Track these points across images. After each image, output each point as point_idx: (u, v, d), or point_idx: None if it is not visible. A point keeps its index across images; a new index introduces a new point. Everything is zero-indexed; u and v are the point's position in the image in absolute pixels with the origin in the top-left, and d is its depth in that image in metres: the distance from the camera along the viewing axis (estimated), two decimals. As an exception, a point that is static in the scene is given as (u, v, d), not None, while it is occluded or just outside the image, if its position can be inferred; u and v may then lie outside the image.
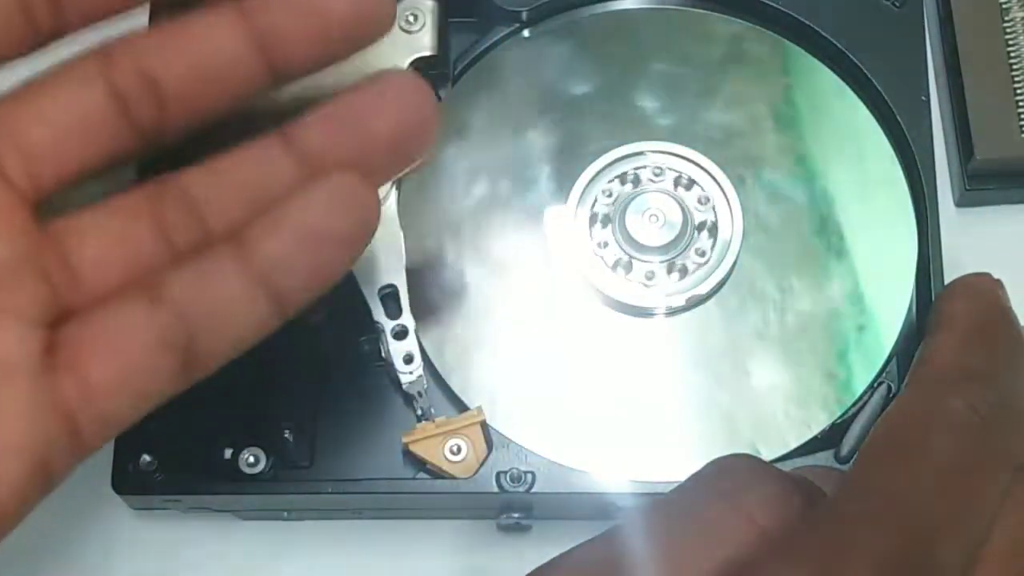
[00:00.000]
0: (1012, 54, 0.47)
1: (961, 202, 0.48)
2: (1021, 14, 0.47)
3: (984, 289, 0.35)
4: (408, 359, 0.42)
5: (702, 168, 0.44)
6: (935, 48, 0.49)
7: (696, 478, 0.30)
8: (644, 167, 0.45)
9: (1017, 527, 0.30)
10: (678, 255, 0.44)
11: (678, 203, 0.44)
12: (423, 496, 0.42)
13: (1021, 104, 0.46)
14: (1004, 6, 0.47)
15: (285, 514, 0.45)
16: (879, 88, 0.45)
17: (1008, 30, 0.47)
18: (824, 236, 0.44)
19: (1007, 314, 0.34)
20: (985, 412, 0.31)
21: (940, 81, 0.49)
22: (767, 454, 0.41)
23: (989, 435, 0.30)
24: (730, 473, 0.30)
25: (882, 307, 0.43)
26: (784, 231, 0.44)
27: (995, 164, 0.47)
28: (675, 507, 0.30)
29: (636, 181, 0.44)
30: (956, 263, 0.43)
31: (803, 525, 0.29)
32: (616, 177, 0.45)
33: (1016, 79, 0.46)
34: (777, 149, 0.45)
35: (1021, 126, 0.46)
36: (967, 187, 0.47)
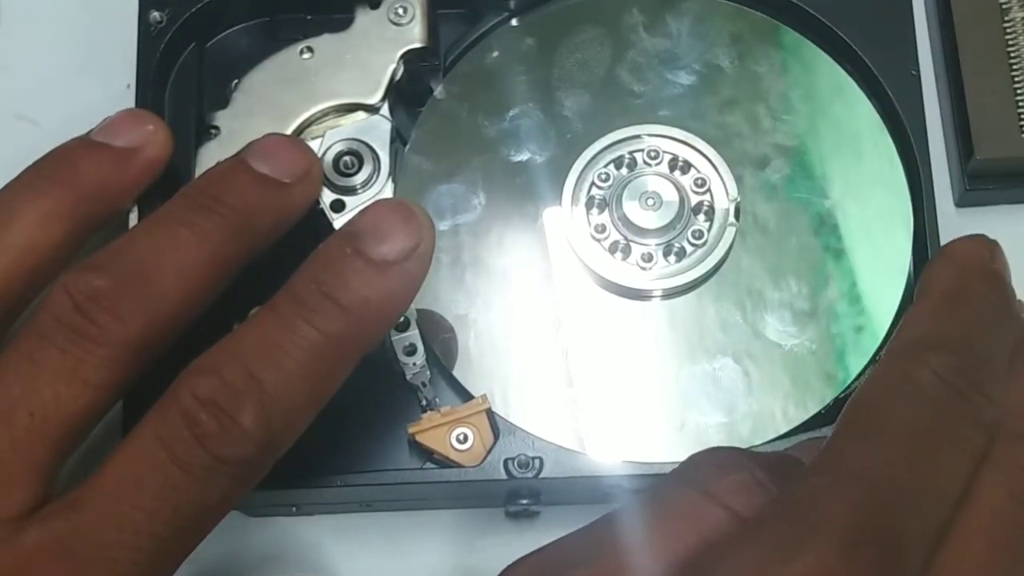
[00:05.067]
0: (1012, 54, 0.47)
1: (961, 202, 0.48)
2: (1021, 14, 0.47)
3: (965, 253, 0.35)
4: (410, 350, 0.43)
5: (698, 151, 0.44)
6: (935, 48, 0.49)
7: (672, 472, 0.32)
8: (640, 150, 0.45)
9: (997, 494, 0.30)
10: (675, 237, 0.44)
11: (675, 186, 0.44)
12: (431, 486, 0.42)
13: (1021, 104, 0.46)
14: (1004, 6, 0.47)
15: (294, 508, 0.45)
16: (868, 63, 0.45)
17: (1008, 30, 0.47)
18: (822, 236, 0.44)
19: (988, 276, 0.34)
20: (951, 379, 0.31)
21: (940, 81, 0.49)
22: (786, 420, 0.42)
23: (955, 401, 0.31)
24: (702, 464, 0.32)
25: (880, 308, 0.43)
26: (782, 231, 0.44)
27: (995, 164, 0.47)
28: (651, 498, 0.31)
29: (632, 165, 0.45)
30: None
31: (772, 503, 0.30)
32: (612, 161, 0.45)
33: (1016, 79, 0.47)
34: (784, 141, 0.45)
35: (1021, 126, 0.46)
36: (967, 187, 0.47)
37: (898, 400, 0.31)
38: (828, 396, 0.42)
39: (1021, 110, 0.46)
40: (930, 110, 0.48)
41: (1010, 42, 0.47)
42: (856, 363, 0.43)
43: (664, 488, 0.32)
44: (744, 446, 0.41)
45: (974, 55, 0.47)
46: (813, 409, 0.42)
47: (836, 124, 0.45)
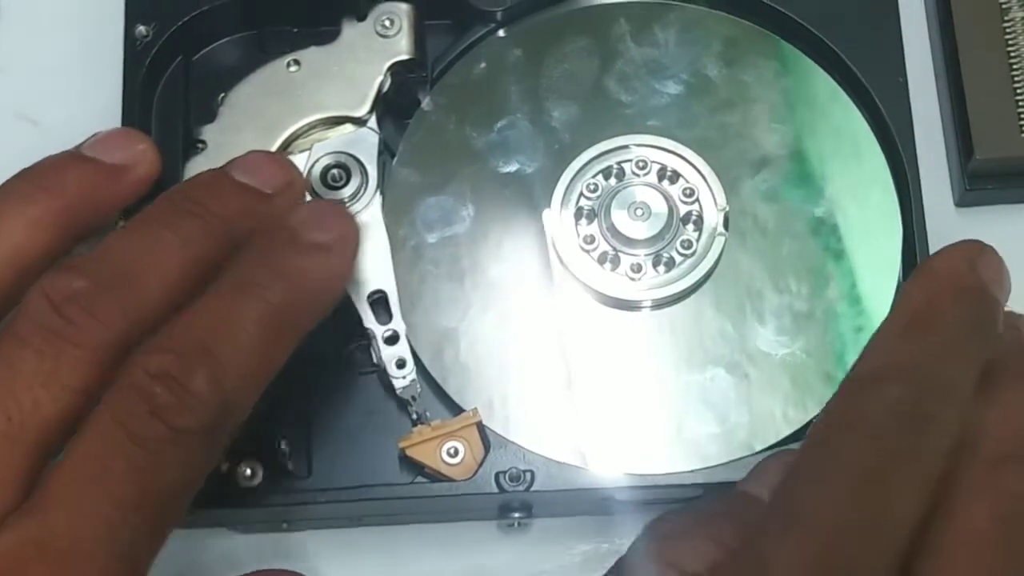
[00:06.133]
0: (1012, 54, 0.47)
1: (961, 202, 0.48)
2: (1021, 14, 0.47)
3: (940, 268, 0.34)
4: (400, 364, 0.42)
5: (686, 160, 0.44)
6: (935, 48, 0.49)
7: (631, 546, 0.34)
8: (628, 160, 0.45)
9: (980, 519, 0.30)
10: (664, 247, 0.44)
11: (663, 196, 0.44)
12: (422, 500, 0.41)
13: (1021, 104, 0.46)
14: (1004, 6, 0.47)
15: (284, 525, 0.45)
16: (856, 71, 0.45)
17: (1008, 30, 0.47)
18: (822, 237, 0.44)
19: (959, 293, 0.34)
20: (903, 410, 0.31)
21: (940, 81, 0.49)
22: (777, 430, 0.42)
23: (906, 432, 0.31)
24: (660, 533, 0.34)
25: (881, 308, 0.43)
26: (781, 232, 0.44)
27: (995, 164, 0.47)
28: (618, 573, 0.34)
29: (620, 175, 0.44)
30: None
31: (725, 559, 0.31)
32: (600, 171, 0.45)
33: (1016, 79, 0.46)
34: (773, 149, 0.45)
35: (1021, 126, 0.46)
36: (967, 187, 0.47)
37: (847, 436, 0.31)
38: (822, 405, 0.42)
39: (1021, 110, 0.46)
40: (930, 110, 0.48)
41: (1010, 42, 0.47)
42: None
43: (628, 562, 0.33)
44: (736, 456, 0.41)
45: (974, 55, 0.47)
46: (802, 420, 0.42)
47: (825, 132, 0.45)
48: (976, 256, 0.34)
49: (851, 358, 0.42)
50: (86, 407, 0.33)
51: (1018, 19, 0.47)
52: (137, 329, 0.34)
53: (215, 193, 0.37)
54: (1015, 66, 0.47)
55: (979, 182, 0.47)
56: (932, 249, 0.43)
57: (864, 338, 0.42)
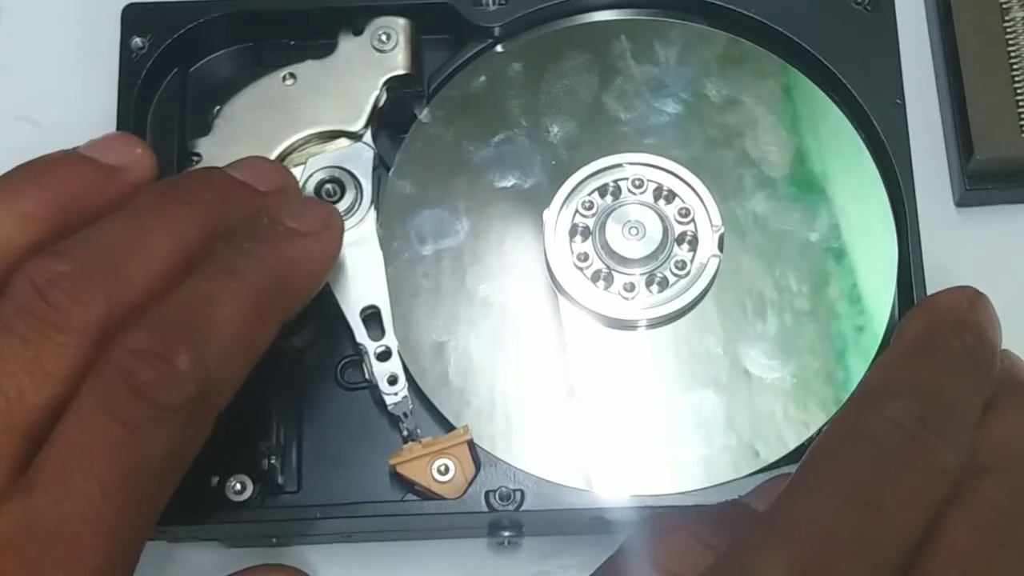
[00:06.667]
0: (1012, 54, 0.47)
1: (961, 202, 0.48)
2: (1021, 14, 0.47)
3: (941, 304, 0.35)
4: (392, 380, 0.42)
5: (682, 180, 0.44)
6: (935, 48, 0.49)
7: (622, 543, 0.34)
8: (625, 179, 0.44)
9: (958, 529, 0.30)
10: (658, 267, 0.43)
11: (658, 215, 0.44)
12: (412, 518, 0.41)
13: (1021, 104, 0.46)
14: (1004, 6, 0.47)
15: (274, 540, 0.44)
16: (854, 93, 0.45)
17: (1008, 30, 0.47)
18: (807, 267, 0.44)
19: (960, 327, 0.34)
20: (906, 424, 0.31)
21: (940, 81, 0.49)
22: (765, 455, 0.42)
23: (908, 447, 0.31)
24: (647, 532, 0.33)
25: (881, 308, 0.43)
26: (782, 232, 0.44)
27: (995, 164, 0.47)
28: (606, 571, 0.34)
29: (616, 193, 0.44)
30: (956, 262, 0.43)
31: (713, 566, 0.31)
32: (596, 189, 0.44)
33: (1016, 79, 0.46)
34: (771, 170, 0.45)
35: (1021, 126, 0.46)
36: (967, 187, 0.47)
37: (846, 449, 0.31)
38: (829, 399, 0.42)
39: (1021, 110, 0.46)
40: (930, 110, 0.48)
41: (1010, 42, 0.47)
42: (857, 363, 0.42)
43: (617, 560, 0.33)
44: (726, 479, 0.41)
45: (974, 55, 0.47)
46: (815, 414, 0.42)
47: (823, 154, 0.45)
48: (974, 298, 0.34)
49: (852, 373, 0.42)
50: (72, 392, 0.33)
51: (1018, 19, 0.47)
52: (121, 314, 0.33)
53: (207, 184, 0.37)
54: (1015, 66, 0.47)
55: (979, 182, 0.47)
56: (930, 255, 0.43)
57: (866, 351, 0.42)
